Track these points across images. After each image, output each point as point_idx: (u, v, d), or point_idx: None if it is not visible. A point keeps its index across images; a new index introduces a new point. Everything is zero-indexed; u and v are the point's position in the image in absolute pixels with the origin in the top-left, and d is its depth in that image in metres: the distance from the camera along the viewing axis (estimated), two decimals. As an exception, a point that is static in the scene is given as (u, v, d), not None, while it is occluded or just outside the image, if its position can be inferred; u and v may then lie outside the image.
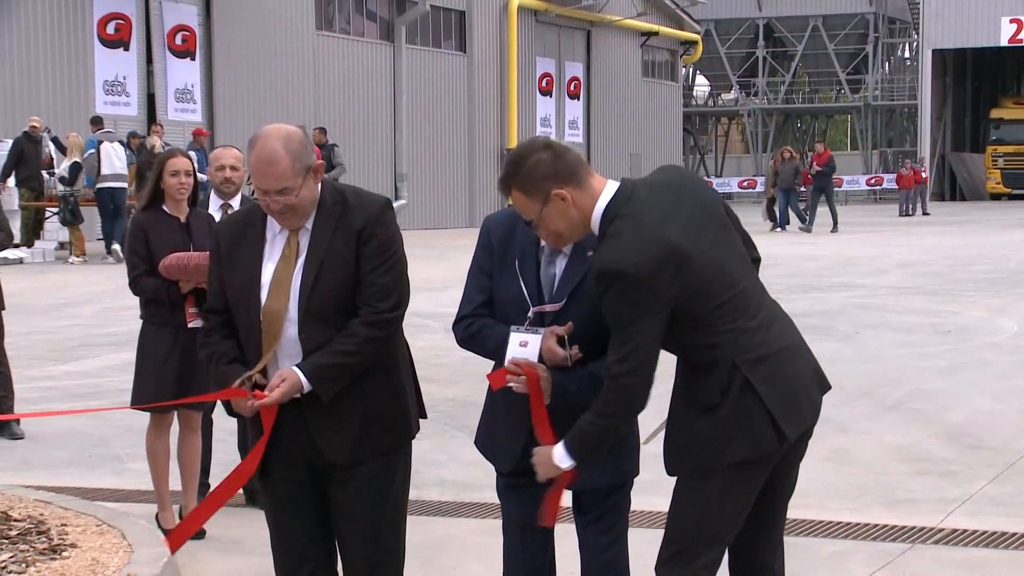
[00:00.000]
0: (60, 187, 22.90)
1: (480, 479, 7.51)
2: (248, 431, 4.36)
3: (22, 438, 9.02)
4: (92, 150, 22.98)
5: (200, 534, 6.75)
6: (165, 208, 6.67)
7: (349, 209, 4.16)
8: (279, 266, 4.16)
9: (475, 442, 4.54)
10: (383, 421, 4.25)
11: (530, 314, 4.21)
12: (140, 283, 6.61)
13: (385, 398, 4.26)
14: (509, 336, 4.19)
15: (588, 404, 4.11)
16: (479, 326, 4.30)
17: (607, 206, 4.02)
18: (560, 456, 4.06)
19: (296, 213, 4.13)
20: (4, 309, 9.05)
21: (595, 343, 4.18)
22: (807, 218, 32.65)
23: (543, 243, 4.23)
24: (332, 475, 4.25)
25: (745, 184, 60.21)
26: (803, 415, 4.12)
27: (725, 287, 4.03)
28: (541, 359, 4.15)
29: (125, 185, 23.05)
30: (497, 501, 4.55)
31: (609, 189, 4.06)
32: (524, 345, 4.15)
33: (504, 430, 4.33)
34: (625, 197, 4.02)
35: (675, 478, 4.19)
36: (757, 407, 4.02)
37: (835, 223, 32.34)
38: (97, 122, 23.89)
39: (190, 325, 6.55)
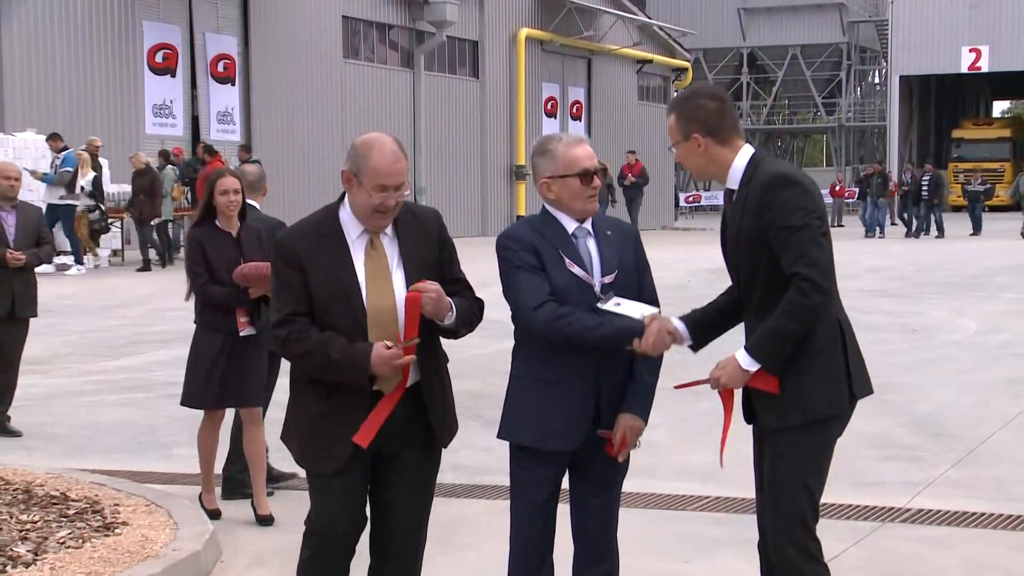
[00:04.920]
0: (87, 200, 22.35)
1: (492, 464, 7.50)
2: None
3: (19, 435, 8.71)
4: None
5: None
6: (217, 223, 6.60)
7: (419, 218, 4.23)
8: (369, 265, 4.11)
9: (526, 442, 4.31)
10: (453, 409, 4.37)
11: (600, 288, 4.21)
12: (208, 291, 6.49)
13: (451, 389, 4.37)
14: (604, 310, 4.17)
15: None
16: (566, 310, 4.15)
17: (752, 156, 4.05)
18: (746, 361, 3.99)
19: (395, 212, 4.14)
20: (36, 316, 8.92)
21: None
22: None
23: (572, 230, 4.26)
24: (396, 463, 4.20)
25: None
26: (868, 384, 4.14)
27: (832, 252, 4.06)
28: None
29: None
30: (507, 483, 4.53)
31: (749, 148, 4.10)
32: (618, 305, 4.16)
33: (566, 413, 4.22)
34: (763, 155, 4.10)
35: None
36: (843, 364, 4.02)
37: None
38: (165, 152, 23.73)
39: (242, 333, 6.49)
